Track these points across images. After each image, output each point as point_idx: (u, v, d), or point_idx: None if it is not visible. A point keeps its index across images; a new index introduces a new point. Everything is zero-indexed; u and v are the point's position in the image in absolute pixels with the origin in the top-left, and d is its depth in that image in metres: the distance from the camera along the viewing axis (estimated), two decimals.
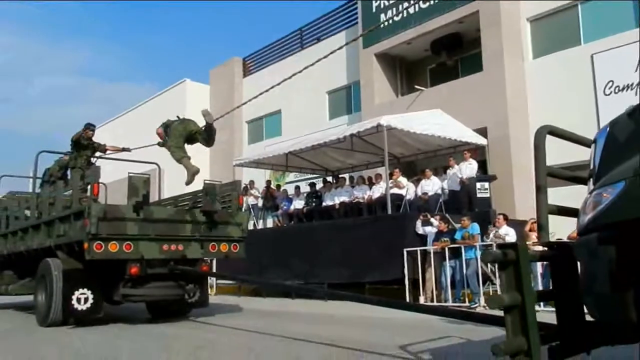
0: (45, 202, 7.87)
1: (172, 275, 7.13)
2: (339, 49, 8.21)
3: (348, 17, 17.74)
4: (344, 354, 4.56)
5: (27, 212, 8.74)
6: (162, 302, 7.61)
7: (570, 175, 2.84)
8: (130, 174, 7.02)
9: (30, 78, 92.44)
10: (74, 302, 6.67)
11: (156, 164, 10.45)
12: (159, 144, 7.99)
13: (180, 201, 8.72)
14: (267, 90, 8.44)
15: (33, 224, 8.16)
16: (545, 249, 2.67)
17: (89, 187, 6.90)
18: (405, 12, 14.48)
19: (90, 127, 8.93)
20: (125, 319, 7.79)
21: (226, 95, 22.23)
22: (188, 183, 7.25)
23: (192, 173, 7.18)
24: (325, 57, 7.64)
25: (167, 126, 7.73)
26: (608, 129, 2.28)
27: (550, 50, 12.68)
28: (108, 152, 9.39)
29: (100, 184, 7.77)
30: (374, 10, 15.31)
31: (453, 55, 14.74)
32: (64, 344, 5.86)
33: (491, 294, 8.13)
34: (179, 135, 7.45)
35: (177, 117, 7.94)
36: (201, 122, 7.78)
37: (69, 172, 8.85)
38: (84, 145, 8.79)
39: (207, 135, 7.66)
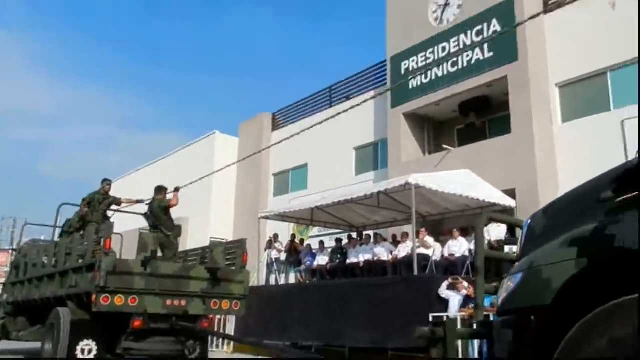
0: (62, 252, 8.15)
1: (174, 330, 7.28)
2: (356, 105, 8.41)
3: (377, 77, 18.23)
4: None
5: (45, 260, 9.04)
6: (162, 357, 7.66)
7: (505, 257, 3.30)
8: (141, 231, 7.58)
9: (71, 125, 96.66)
10: (78, 352, 6.87)
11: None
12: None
13: (190, 255, 9.00)
14: (289, 137, 8.61)
15: (49, 272, 8.43)
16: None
17: (102, 240, 7.21)
18: (434, 74, 14.80)
19: (107, 182, 9.68)
20: None
21: (254, 149, 22.67)
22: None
23: None
24: (340, 113, 7.83)
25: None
26: (529, 220, 2.66)
27: (579, 115, 12.68)
28: (123, 204, 9.99)
29: (117, 234, 8.58)
30: (402, 72, 15.70)
31: (481, 117, 14.86)
32: None
33: None
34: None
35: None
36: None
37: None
38: (99, 201, 9.39)
39: None
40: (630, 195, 2.01)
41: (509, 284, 2.30)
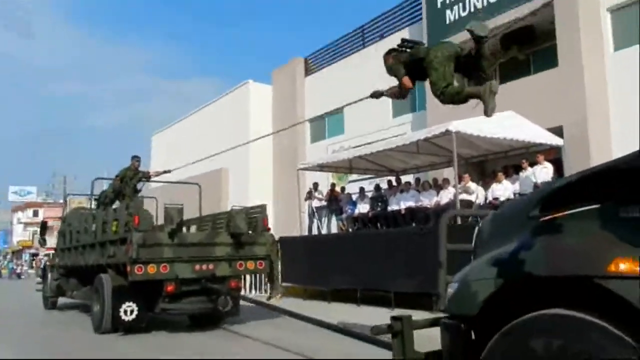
0: (100, 224, 8.85)
1: (205, 290, 7.99)
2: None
3: (411, 13, 17.32)
4: None
5: (86, 230, 9.83)
6: (196, 314, 8.63)
7: (466, 249, 3.30)
8: (166, 205, 8.09)
9: (102, 76, 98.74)
10: (122, 313, 7.71)
11: (197, 184, 11.58)
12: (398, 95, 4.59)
13: (217, 220, 9.59)
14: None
15: (90, 242, 9.24)
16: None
17: (131, 217, 7.80)
18: (472, 6, 13.91)
19: (136, 158, 10.36)
20: (166, 326, 8.74)
21: (288, 95, 22.48)
22: (491, 110, 4.71)
23: (490, 92, 4.24)
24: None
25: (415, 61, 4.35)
26: (480, 225, 2.88)
27: (633, 41, 11.69)
28: (152, 177, 11.05)
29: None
30: (439, 6, 14.83)
31: (525, 50, 13.97)
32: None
33: None
34: (445, 62, 4.20)
35: (407, 40, 4.55)
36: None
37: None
38: (130, 177, 10.17)
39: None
40: (550, 216, 2.23)
41: (450, 291, 2.61)
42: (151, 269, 7.43)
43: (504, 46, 13.20)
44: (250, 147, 22.89)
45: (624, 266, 1.85)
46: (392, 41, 18.03)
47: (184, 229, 10.17)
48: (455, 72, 4.05)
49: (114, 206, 10.16)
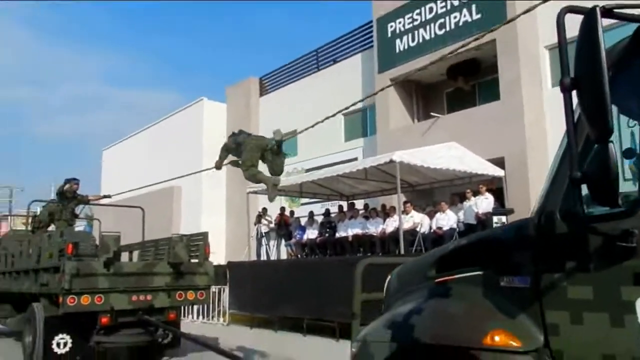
0: (35, 250, 8.49)
1: (142, 322, 7.74)
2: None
3: (364, 39, 17.67)
4: None
5: (21, 254, 9.47)
6: (133, 346, 8.28)
7: (380, 298, 3.42)
8: (103, 233, 7.96)
9: (55, 85, 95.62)
10: (54, 346, 7.35)
11: (141, 208, 11.26)
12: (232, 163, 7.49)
13: (159, 245, 9.35)
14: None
15: (24, 268, 8.83)
16: None
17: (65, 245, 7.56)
18: (421, 37, 14.33)
19: (74, 181, 9.95)
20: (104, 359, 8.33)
21: (243, 114, 22.35)
22: (271, 199, 7.39)
23: (273, 185, 6.82)
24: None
25: (237, 144, 7.03)
26: (390, 277, 3.01)
27: None
28: (91, 201, 10.66)
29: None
30: (389, 35, 15.19)
31: (470, 80, 14.52)
32: None
33: None
34: (254, 149, 6.77)
35: (241, 131, 7.34)
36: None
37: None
38: (69, 198, 9.76)
39: (277, 157, 6.85)
40: (442, 278, 2.37)
41: (352, 350, 2.70)
42: (85, 299, 7.13)
43: (451, 77, 14.01)
44: (203, 163, 22.60)
45: (498, 339, 1.97)
46: (345, 65, 18.34)
47: (127, 255, 9.92)
48: (262, 159, 6.68)
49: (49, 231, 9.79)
